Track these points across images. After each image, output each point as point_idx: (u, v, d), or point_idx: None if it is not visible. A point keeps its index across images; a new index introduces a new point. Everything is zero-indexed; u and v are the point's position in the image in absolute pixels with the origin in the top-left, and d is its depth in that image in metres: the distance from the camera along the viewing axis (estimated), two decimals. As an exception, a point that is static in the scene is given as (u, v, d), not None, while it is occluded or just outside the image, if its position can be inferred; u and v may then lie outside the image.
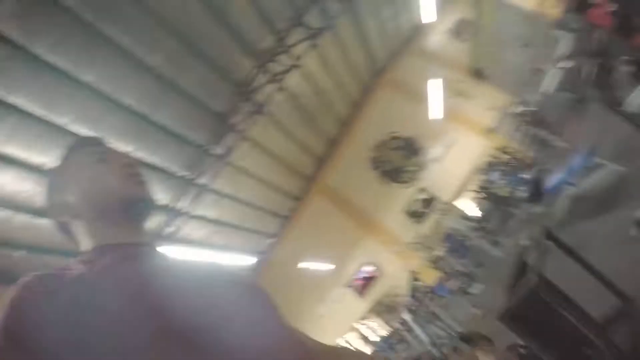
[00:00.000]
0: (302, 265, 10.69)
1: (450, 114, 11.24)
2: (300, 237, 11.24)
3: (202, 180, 7.67)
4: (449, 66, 11.29)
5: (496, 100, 11.08)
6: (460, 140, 11.38)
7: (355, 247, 11.04)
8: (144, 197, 0.94)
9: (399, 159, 11.71)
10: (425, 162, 11.76)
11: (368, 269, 10.97)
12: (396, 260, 10.83)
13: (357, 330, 10.78)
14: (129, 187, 0.92)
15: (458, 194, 11.13)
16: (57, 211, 0.99)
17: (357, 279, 10.87)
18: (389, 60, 12.02)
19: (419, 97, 11.05)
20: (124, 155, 1.02)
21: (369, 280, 10.88)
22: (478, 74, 11.55)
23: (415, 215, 11.30)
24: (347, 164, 11.57)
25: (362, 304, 10.80)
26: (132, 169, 0.97)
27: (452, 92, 11.19)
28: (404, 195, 11.45)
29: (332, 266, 11.05)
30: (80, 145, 1.04)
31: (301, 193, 11.62)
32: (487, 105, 11.17)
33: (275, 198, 10.44)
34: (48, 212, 1.01)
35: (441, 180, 11.30)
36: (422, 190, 11.43)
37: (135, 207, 0.92)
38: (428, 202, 11.31)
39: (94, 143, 1.05)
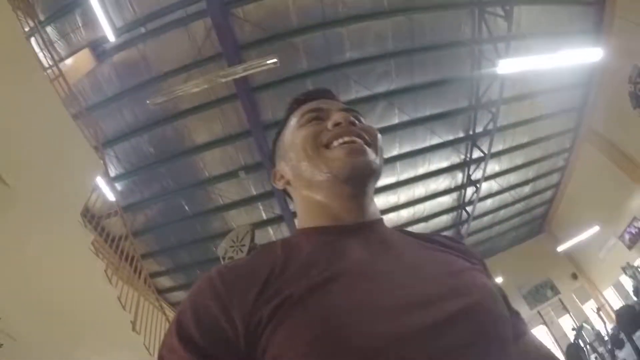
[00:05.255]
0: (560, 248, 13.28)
1: None
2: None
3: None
4: None
5: None
6: None
7: (627, 198, 11.54)
8: (359, 168, 0.80)
9: None
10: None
11: (638, 224, 11.55)
12: None
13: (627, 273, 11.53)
14: (339, 156, 0.80)
15: None
16: (273, 177, 0.98)
17: (627, 232, 11.88)
18: None
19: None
20: (344, 109, 0.92)
21: (638, 234, 11.64)
22: None
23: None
24: (609, 100, 10.85)
25: (631, 255, 11.61)
26: (348, 128, 0.84)
27: None
28: None
29: (596, 228, 12.47)
30: (302, 99, 0.98)
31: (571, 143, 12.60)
32: None
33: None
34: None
35: None
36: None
37: (348, 181, 0.80)
38: None
39: (318, 95, 0.99)
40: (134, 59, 7.22)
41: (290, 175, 0.91)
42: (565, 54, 7.70)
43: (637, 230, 11.63)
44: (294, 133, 0.91)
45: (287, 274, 0.67)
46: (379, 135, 0.89)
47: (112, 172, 8.12)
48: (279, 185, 0.96)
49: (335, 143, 0.82)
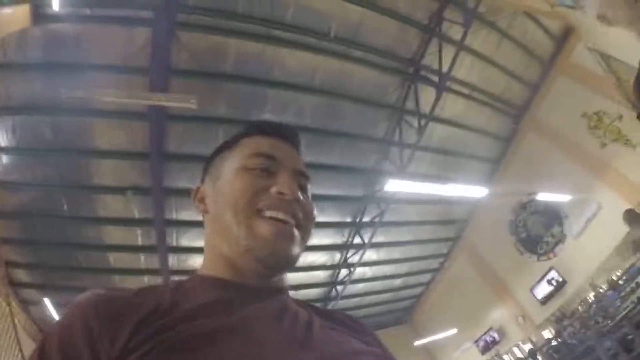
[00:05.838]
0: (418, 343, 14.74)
1: (600, 168, 10.05)
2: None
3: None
4: (608, 93, 9.07)
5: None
6: (606, 209, 10.03)
7: (487, 309, 13.58)
8: (277, 255, 0.79)
9: (537, 226, 12.19)
10: (564, 234, 11.52)
11: (493, 334, 13.61)
12: (519, 331, 12.84)
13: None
14: (265, 235, 0.78)
15: (593, 280, 10.54)
16: (194, 195, 0.94)
17: (482, 339, 13.92)
18: (534, 90, 11.34)
19: (565, 141, 10.82)
20: (296, 171, 0.89)
21: (492, 343, 13.72)
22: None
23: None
24: (489, 223, 12.95)
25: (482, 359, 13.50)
26: (289, 204, 0.82)
27: (609, 133, 9.81)
28: (537, 269, 12.20)
29: (454, 330, 14.19)
30: (264, 129, 0.94)
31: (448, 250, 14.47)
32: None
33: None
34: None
35: (575, 260, 11.22)
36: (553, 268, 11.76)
37: (260, 263, 0.78)
38: (558, 284, 11.74)
39: (282, 135, 0.95)
40: (67, 36, 6.98)
41: (211, 208, 0.88)
42: (452, 187, 8.94)
43: (491, 339, 13.59)
44: (235, 171, 0.86)
45: (169, 318, 0.65)
46: (314, 218, 0.89)
47: (3, 142, 7.81)
48: (198, 208, 0.92)
49: (268, 213, 0.80)
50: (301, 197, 0.85)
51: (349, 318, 0.92)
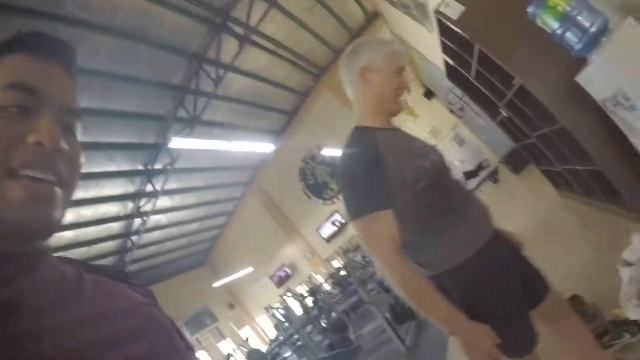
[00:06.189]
0: (217, 284, 15.79)
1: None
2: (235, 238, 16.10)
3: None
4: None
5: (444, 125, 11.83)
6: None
7: (279, 248, 15.49)
8: (32, 226, 0.62)
9: (323, 174, 13.88)
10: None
11: (286, 270, 15.74)
12: (308, 264, 15.02)
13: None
14: (16, 200, 0.60)
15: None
16: None
17: (277, 275, 16.01)
18: (337, 54, 11.77)
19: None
20: (62, 109, 0.69)
21: (285, 277, 15.83)
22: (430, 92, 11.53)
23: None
24: (281, 169, 14.19)
25: (278, 291, 14.81)
26: (48, 159, 0.64)
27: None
28: (323, 211, 14.16)
29: (251, 269, 15.68)
30: (28, 42, 0.70)
31: (241, 194, 15.39)
32: (430, 130, 12.02)
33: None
34: None
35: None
36: (336, 212, 13.80)
37: (11, 237, 0.61)
38: (341, 225, 13.90)
39: (52, 53, 0.71)
40: None
41: None
42: (241, 144, 9.29)
43: (284, 274, 15.86)
44: None
45: None
46: (81, 167, 0.73)
47: None
48: None
49: (24, 172, 0.61)
50: (65, 146, 0.66)
51: (123, 273, 0.83)
